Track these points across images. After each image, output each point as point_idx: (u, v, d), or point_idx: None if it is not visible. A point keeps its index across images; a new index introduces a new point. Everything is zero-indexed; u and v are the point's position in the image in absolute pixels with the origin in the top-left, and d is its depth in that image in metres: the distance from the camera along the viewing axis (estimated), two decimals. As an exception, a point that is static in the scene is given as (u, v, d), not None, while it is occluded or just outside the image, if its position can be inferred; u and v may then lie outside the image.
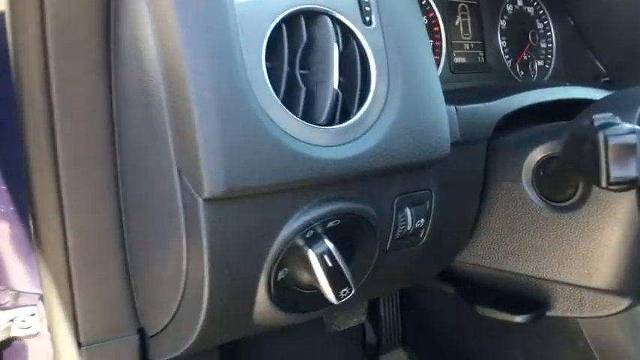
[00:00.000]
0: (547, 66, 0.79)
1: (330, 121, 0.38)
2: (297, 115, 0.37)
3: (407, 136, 0.41)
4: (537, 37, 0.76)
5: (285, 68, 0.37)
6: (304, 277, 0.40)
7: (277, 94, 0.36)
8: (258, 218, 0.37)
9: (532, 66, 0.77)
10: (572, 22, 0.80)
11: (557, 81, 0.77)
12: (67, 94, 0.40)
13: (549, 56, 0.80)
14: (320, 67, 0.38)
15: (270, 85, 0.36)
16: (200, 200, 0.35)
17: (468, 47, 0.70)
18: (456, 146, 0.51)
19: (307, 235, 0.38)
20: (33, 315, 0.64)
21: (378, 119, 0.40)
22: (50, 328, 0.60)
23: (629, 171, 0.33)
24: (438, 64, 0.66)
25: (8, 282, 0.64)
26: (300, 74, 0.38)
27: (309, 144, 0.37)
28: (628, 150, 0.33)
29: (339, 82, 0.39)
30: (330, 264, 0.38)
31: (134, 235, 0.47)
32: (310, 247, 0.38)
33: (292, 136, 0.36)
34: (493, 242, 0.58)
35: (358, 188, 0.40)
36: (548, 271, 0.55)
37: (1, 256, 0.63)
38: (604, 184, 0.35)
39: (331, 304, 0.41)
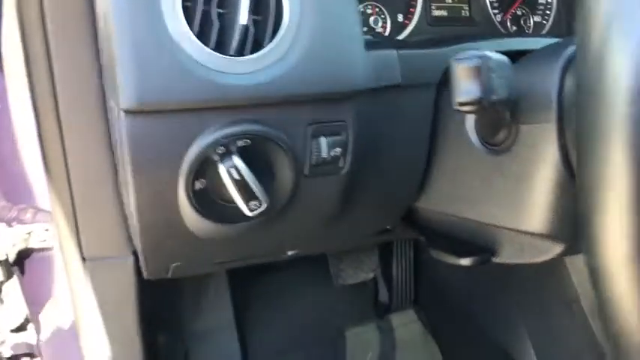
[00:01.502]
0: (544, 22, 0.77)
1: (241, 53, 0.43)
2: (208, 47, 0.42)
3: (316, 69, 0.45)
4: (531, -8, 0.75)
5: (200, 6, 0.42)
6: (222, 190, 0.45)
7: (192, 28, 0.42)
8: (172, 132, 0.43)
9: (526, 21, 0.76)
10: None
11: (546, 36, 0.76)
12: (64, 61, 0.54)
13: (547, 12, 0.78)
14: (233, 4, 0.43)
15: (183, 19, 0.41)
16: (122, 113, 0.42)
17: (450, 0, 0.71)
18: (398, 89, 0.54)
19: (219, 152, 0.44)
20: (47, 230, 0.75)
21: (288, 51, 0.44)
22: (60, 244, 0.70)
23: (473, 91, 0.35)
24: (412, 16, 0.67)
25: (33, 200, 0.76)
26: (218, 12, 0.43)
27: (217, 70, 0.42)
28: (472, 72, 0.35)
29: (256, 18, 0.44)
30: (237, 177, 0.44)
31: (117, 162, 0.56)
32: (221, 161, 0.44)
33: (201, 63, 0.42)
34: (445, 187, 0.60)
35: (268, 113, 0.45)
36: (491, 217, 0.56)
37: (30, 176, 0.74)
38: (454, 105, 0.37)
39: (249, 216, 0.46)
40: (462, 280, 1.13)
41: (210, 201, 0.46)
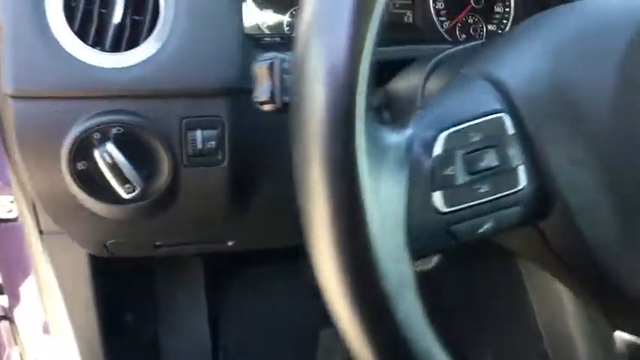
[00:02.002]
0: (500, 31, 0.76)
1: (118, 50, 0.48)
2: (86, 43, 0.47)
3: (187, 66, 0.48)
4: (482, 0, 0.74)
5: (82, 5, 0.47)
6: (101, 172, 0.50)
7: (74, 25, 0.47)
8: (53, 117, 0.48)
9: (478, 30, 0.75)
10: (532, -15, 0.76)
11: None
12: None
13: (504, 21, 0.76)
14: (112, 5, 0.48)
15: (63, 16, 0.47)
16: (8, 98, 0.47)
17: (391, 6, 0.71)
18: None
19: (96, 137, 0.48)
20: (12, 202, 0.83)
21: (160, 49, 0.48)
22: (20, 217, 0.78)
23: (265, 91, 0.37)
24: (345, 21, 0.69)
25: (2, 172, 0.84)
26: (101, 12, 0.48)
27: (92, 64, 0.47)
28: (264, 72, 0.37)
29: (136, 18, 0.48)
30: (110, 161, 0.48)
31: None
32: (97, 146, 0.48)
33: (76, 57, 0.47)
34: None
35: (143, 105, 0.49)
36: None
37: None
38: (256, 105, 0.39)
39: (128, 199, 0.50)
40: (441, 290, 1.12)
41: (93, 181, 0.51)
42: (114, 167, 0.48)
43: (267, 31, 0.65)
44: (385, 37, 0.72)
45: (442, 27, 0.74)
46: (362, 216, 0.27)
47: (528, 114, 0.32)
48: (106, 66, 0.47)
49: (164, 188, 0.53)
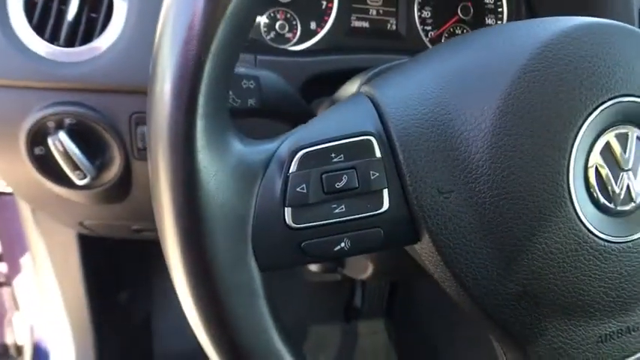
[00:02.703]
0: (489, 43, 0.74)
1: (72, 45, 0.50)
2: (42, 38, 0.50)
3: (134, 64, 0.51)
4: (470, 12, 0.72)
5: (41, 3, 0.50)
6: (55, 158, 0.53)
7: (31, 20, 0.50)
8: (11, 104, 0.52)
9: (465, 41, 0.73)
10: (524, -1, 0.73)
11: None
12: None
13: (495, 33, 0.74)
14: (69, 3, 0.51)
15: (23, 12, 0.50)
16: None
17: (374, 13, 0.71)
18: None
19: (50, 125, 0.52)
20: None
21: (111, 47, 0.50)
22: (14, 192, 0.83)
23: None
24: (324, 24, 0.69)
25: None
26: (61, 9, 0.51)
27: (46, 58, 0.50)
28: None
29: (93, 15, 0.51)
30: (61, 149, 0.51)
31: None
32: (51, 134, 0.52)
33: (33, 50, 0.50)
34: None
35: (94, 99, 0.52)
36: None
37: None
38: None
39: (80, 185, 0.54)
40: (434, 300, 1.11)
41: (50, 165, 0.54)
42: (65, 154, 0.51)
43: (243, 32, 0.67)
44: (367, 44, 0.73)
45: (427, 36, 0.73)
46: (201, 224, 0.28)
47: (401, 139, 0.32)
48: (60, 60, 0.50)
49: (117, 178, 0.55)
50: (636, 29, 0.34)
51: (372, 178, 0.31)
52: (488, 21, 0.75)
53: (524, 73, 0.31)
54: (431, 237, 0.32)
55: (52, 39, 0.51)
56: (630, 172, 0.33)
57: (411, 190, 0.31)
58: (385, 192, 0.31)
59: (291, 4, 0.68)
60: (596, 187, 0.32)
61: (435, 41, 0.73)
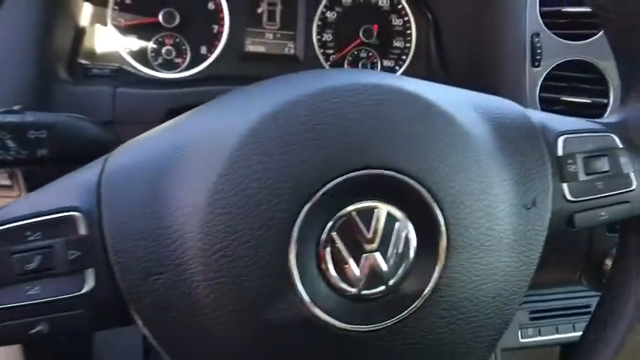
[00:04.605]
0: (397, 67, 0.70)
1: None
2: None
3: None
4: (373, 34, 0.69)
5: None
6: None
7: None
8: None
9: (370, 65, 0.70)
10: (431, 19, 0.69)
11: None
12: None
13: (403, 57, 0.71)
14: None
15: None
16: None
17: (271, 37, 0.68)
18: (111, 125, 0.56)
19: None
20: None
21: None
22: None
23: None
24: (214, 49, 0.67)
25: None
26: None
27: None
28: None
29: None
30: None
31: None
32: None
33: None
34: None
35: None
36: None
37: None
38: None
39: None
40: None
41: None
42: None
43: (128, 58, 0.65)
44: (262, 69, 0.70)
45: (328, 60, 0.70)
46: None
47: (111, 217, 0.29)
48: None
49: None
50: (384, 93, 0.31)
51: (72, 258, 0.29)
52: (397, 43, 0.71)
53: (241, 147, 0.29)
54: (140, 316, 0.29)
55: None
56: (378, 253, 0.30)
57: (117, 271, 0.29)
58: (89, 272, 0.29)
59: (179, 29, 0.66)
60: (331, 270, 0.29)
61: (336, 64, 0.70)
